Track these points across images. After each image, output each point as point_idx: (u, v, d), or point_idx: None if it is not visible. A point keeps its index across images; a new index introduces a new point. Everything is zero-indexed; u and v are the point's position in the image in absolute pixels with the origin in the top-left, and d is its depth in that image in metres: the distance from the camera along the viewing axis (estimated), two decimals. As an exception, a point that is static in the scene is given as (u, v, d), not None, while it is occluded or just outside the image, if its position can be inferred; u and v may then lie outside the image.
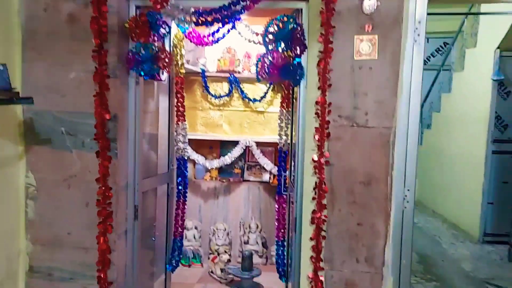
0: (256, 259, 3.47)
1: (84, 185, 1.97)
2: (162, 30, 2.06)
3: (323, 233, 1.89)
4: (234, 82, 3.56)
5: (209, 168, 3.64)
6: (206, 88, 3.60)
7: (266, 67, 1.93)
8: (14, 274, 2.01)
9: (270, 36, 1.92)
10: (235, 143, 3.64)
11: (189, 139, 3.58)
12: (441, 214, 5.82)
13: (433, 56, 7.41)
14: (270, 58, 1.93)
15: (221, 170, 3.80)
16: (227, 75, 3.56)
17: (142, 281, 2.32)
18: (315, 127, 1.87)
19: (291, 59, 1.91)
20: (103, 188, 1.88)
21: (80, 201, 1.98)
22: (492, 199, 4.78)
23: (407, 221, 1.94)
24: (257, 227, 3.66)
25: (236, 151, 3.55)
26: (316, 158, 1.86)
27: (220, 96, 3.62)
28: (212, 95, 3.62)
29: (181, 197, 2.68)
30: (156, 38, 2.08)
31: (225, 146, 3.78)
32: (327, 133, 1.85)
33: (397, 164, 1.89)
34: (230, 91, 3.61)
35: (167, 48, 2.38)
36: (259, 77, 1.96)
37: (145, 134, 2.32)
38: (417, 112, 1.90)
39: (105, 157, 1.87)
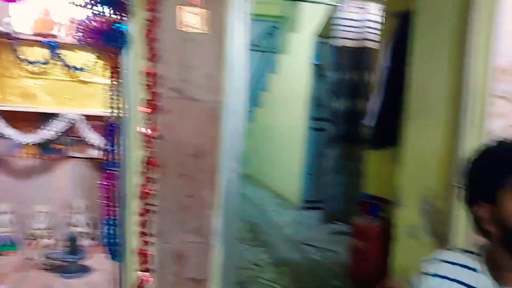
0: (85, 241, 3.26)
1: None
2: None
3: (152, 208, 1.85)
4: (52, 48, 3.19)
5: (26, 143, 3.23)
6: (16, 53, 3.15)
7: (86, 32, 1.77)
8: None
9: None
10: (57, 116, 3.29)
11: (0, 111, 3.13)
12: (269, 186, 6.33)
13: (264, 39, 7.89)
14: (92, 22, 1.77)
15: (41, 146, 3.41)
16: (44, 39, 3.17)
17: None
18: (144, 99, 1.80)
19: (116, 25, 1.79)
20: None
21: None
22: (311, 171, 5.38)
23: (235, 191, 2.04)
24: (85, 207, 3.42)
25: (59, 125, 3.22)
26: (144, 131, 1.80)
27: (37, 63, 3.22)
28: (26, 61, 3.19)
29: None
30: None
31: (46, 119, 3.39)
32: (157, 106, 1.80)
33: (225, 137, 1.95)
34: (49, 58, 3.23)
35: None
36: (80, 42, 1.79)
37: None
38: (243, 88, 1.98)
39: None
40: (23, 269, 2.96)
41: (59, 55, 3.25)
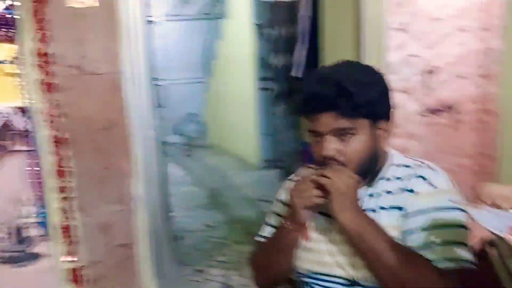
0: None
1: None
2: None
3: (70, 184, 1.92)
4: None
5: (-39, 142, 3.22)
6: None
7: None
8: None
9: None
10: (-9, 112, 3.28)
11: None
12: (230, 151, 6.43)
13: (213, 6, 7.77)
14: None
15: (-19, 143, 3.40)
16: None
17: None
18: (41, 80, 1.83)
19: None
20: None
21: None
22: (266, 131, 5.46)
23: (153, 158, 2.12)
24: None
25: (-8, 120, 3.21)
26: (46, 111, 1.84)
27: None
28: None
29: None
30: None
31: (-20, 116, 3.37)
32: (53, 84, 1.84)
33: (132, 107, 2.00)
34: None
35: None
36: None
37: None
38: (142, 57, 2.03)
39: None
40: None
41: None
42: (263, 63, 5.19)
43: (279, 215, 1.16)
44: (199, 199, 4.36)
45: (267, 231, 1.17)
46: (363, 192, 1.03)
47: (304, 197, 0.99)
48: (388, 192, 1.02)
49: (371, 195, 1.04)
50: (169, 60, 8.02)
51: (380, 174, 1.05)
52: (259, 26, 5.15)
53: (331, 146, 0.98)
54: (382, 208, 1.01)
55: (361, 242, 0.94)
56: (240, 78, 5.80)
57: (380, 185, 1.04)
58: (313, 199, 0.98)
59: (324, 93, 0.95)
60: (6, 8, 1.85)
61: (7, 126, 3.35)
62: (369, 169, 1.04)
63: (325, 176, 0.96)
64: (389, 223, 0.99)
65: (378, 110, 1.00)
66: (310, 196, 0.98)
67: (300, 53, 3.21)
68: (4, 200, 3.45)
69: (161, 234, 2.22)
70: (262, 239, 1.17)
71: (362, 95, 0.94)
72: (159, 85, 3.65)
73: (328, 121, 0.97)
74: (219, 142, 6.93)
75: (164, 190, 2.68)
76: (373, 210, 1.01)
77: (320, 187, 0.97)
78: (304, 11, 3.20)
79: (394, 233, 0.97)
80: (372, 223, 0.96)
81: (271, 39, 4.74)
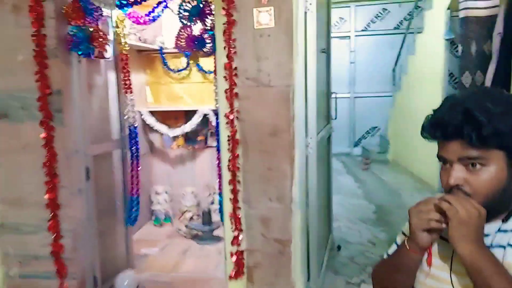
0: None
1: (38, 151, 2.31)
2: (95, 14, 2.37)
3: (238, 178, 2.24)
4: (187, 57, 3.85)
5: (172, 136, 3.98)
6: (165, 63, 3.91)
7: (183, 40, 2.25)
8: (-13, 230, 2.39)
9: (185, 13, 2.23)
10: (196, 113, 3.96)
11: (154, 111, 3.95)
12: (410, 170, 6.16)
13: (406, 20, 7.60)
14: (186, 31, 2.24)
15: (187, 138, 4.14)
16: (183, 50, 3.85)
17: (102, 233, 2.69)
18: (226, 89, 2.20)
19: (204, 31, 2.22)
20: (48, 152, 2.23)
21: (36, 165, 2.33)
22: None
23: (311, 164, 2.29)
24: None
25: (195, 120, 3.87)
26: (227, 115, 2.19)
27: (179, 70, 3.94)
28: (171, 70, 3.94)
29: (134, 160, 3.02)
30: (91, 21, 2.38)
31: (188, 116, 4.11)
32: (235, 93, 2.18)
33: (298, 116, 2.21)
34: (188, 65, 3.91)
35: (108, 29, 2.68)
36: (178, 49, 2.27)
37: (94, 106, 2.66)
38: (313, 71, 2.21)
39: (47, 126, 2.21)
40: (172, 237, 3.71)
41: (195, 62, 3.90)
42: (451, 80, 4.86)
43: (404, 234, 1.16)
44: (367, 213, 4.35)
45: (392, 249, 1.19)
46: (495, 226, 0.99)
47: (422, 219, 0.97)
48: None
49: (503, 231, 0.98)
50: (360, 73, 8.15)
51: None
52: (451, 42, 4.84)
53: (458, 174, 0.96)
54: (510, 245, 0.95)
55: (477, 276, 0.90)
56: (427, 95, 5.53)
57: None
58: (431, 222, 0.96)
59: (451, 120, 0.94)
60: (210, 29, 2.27)
61: (208, 124, 4.00)
62: (503, 205, 0.98)
63: (447, 202, 0.93)
64: None
65: None
66: (428, 219, 0.96)
67: (490, 72, 2.94)
68: (199, 186, 4.13)
69: (314, 238, 2.36)
70: (386, 256, 1.20)
71: (492, 125, 0.90)
72: (336, 98, 3.80)
73: (456, 149, 0.95)
74: (399, 159, 6.70)
75: (324, 198, 2.82)
76: (502, 247, 0.96)
77: (442, 212, 0.94)
78: (498, 28, 2.93)
79: None
80: (491, 259, 0.91)
81: (462, 56, 4.41)
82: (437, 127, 0.99)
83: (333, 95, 3.58)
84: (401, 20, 7.88)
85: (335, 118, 3.80)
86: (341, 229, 3.88)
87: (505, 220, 0.98)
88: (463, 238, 0.91)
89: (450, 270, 1.01)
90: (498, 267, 0.90)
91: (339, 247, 3.37)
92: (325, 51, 2.82)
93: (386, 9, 7.90)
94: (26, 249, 2.43)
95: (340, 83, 7.74)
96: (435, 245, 1.05)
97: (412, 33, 6.59)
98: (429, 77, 5.46)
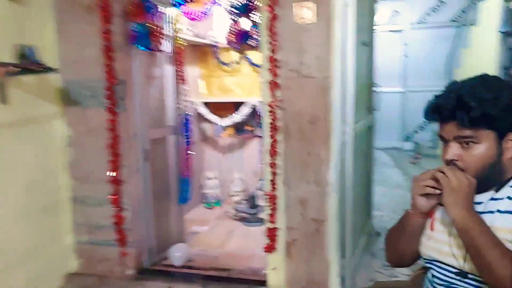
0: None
1: (103, 134, 2.63)
2: (154, 11, 2.65)
3: (278, 162, 2.43)
4: (238, 51, 4.08)
5: (222, 126, 4.24)
6: (217, 57, 4.17)
7: (233, 35, 2.47)
8: (61, 202, 2.76)
9: (234, 10, 2.45)
10: (245, 104, 4.19)
11: (207, 102, 4.21)
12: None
13: (463, 12, 7.38)
14: (236, 27, 2.46)
15: (236, 128, 4.39)
16: (234, 45, 4.09)
17: (158, 209, 2.99)
18: (269, 80, 2.40)
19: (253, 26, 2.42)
20: (112, 135, 2.54)
21: (102, 146, 2.65)
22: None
23: (348, 151, 2.44)
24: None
25: (244, 110, 4.10)
26: (270, 103, 2.39)
27: (231, 64, 4.18)
28: (223, 63, 4.19)
29: (187, 146, 3.30)
30: (150, 18, 2.67)
31: (238, 107, 4.34)
32: (278, 84, 2.37)
33: (336, 106, 2.37)
34: (238, 59, 4.15)
35: (164, 25, 2.96)
36: (229, 43, 2.49)
37: (152, 95, 2.95)
38: (352, 63, 2.36)
39: (112, 111, 2.52)
40: (221, 218, 3.98)
41: (246, 56, 4.12)
42: (504, 74, 4.74)
43: None
44: (408, 204, 4.37)
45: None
46: (487, 195, 1.13)
47: (419, 186, 1.15)
48: (510, 198, 1.09)
49: (494, 199, 1.12)
50: (412, 67, 8.03)
51: (510, 182, 1.12)
52: (505, 35, 4.72)
53: (453, 151, 1.12)
54: (499, 211, 1.09)
55: (465, 236, 1.06)
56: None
57: (505, 191, 1.11)
58: (426, 188, 1.13)
59: (446, 105, 1.10)
60: (254, 25, 2.47)
61: (256, 115, 4.22)
62: (494, 178, 1.12)
63: (442, 172, 1.10)
64: (504, 225, 1.06)
65: (502, 124, 1.08)
66: (423, 185, 1.14)
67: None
68: (247, 172, 4.38)
69: (349, 220, 2.51)
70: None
71: (481, 109, 1.05)
72: (377, 91, 3.87)
73: (451, 129, 1.11)
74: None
75: (363, 185, 2.92)
76: (491, 212, 1.10)
77: (438, 181, 1.11)
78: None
79: (508, 236, 1.05)
80: (478, 222, 1.06)
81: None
82: (435, 110, 1.14)
83: (376, 88, 3.67)
84: (457, 13, 7.66)
85: (377, 110, 3.87)
86: (384, 218, 3.96)
87: (497, 190, 1.12)
88: (455, 204, 1.07)
89: (449, 233, 1.16)
90: (484, 229, 1.04)
91: (378, 234, 3.47)
92: (367, 44, 2.93)
93: (443, 1, 7.71)
94: (92, 220, 2.78)
95: (392, 77, 7.68)
96: (438, 212, 1.20)
97: (467, 25, 6.43)
98: (483, 71, 5.33)
